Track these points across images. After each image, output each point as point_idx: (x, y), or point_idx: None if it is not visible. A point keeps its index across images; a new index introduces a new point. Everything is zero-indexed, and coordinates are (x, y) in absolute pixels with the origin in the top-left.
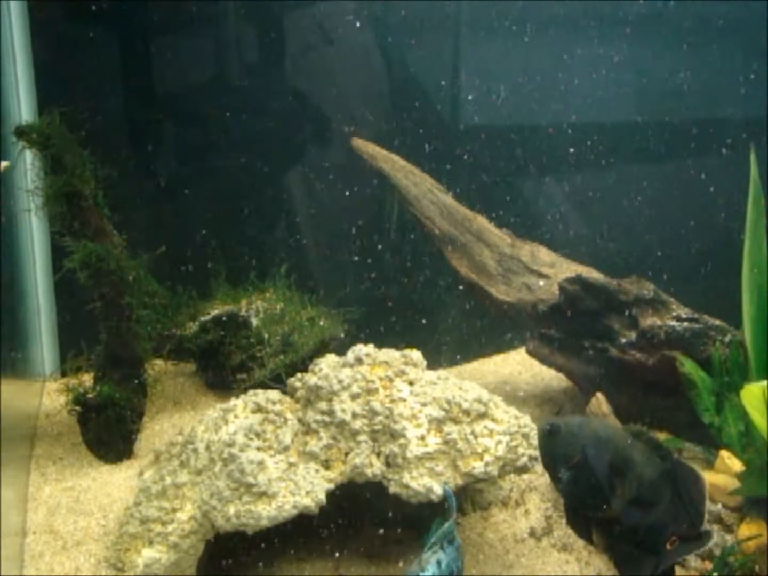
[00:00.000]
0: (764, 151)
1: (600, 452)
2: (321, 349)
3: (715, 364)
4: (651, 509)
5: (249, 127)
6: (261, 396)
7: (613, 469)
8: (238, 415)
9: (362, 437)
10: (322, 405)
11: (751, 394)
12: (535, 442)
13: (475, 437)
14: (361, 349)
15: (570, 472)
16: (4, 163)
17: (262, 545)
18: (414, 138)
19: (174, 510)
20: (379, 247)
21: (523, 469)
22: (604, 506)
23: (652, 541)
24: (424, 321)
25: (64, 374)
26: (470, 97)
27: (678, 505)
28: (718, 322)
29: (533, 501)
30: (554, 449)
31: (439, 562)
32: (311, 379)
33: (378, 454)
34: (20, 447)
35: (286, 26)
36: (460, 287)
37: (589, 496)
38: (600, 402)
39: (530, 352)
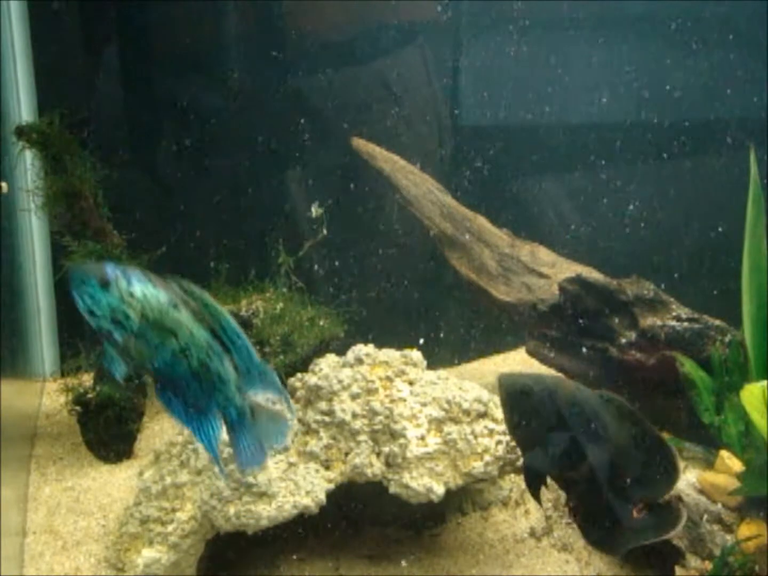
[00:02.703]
0: (764, 151)
1: (575, 414)
2: (321, 349)
3: (715, 364)
4: (621, 474)
5: (249, 125)
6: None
7: (587, 431)
8: None
9: (362, 437)
10: (322, 405)
11: (751, 394)
12: None
13: (475, 437)
14: (361, 349)
15: (542, 433)
16: (4, 185)
17: (262, 545)
18: None
19: (174, 510)
20: (380, 246)
21: None
22: (575, 468)
23: (620, 505)
24: (424, 321)
25: (64, 374)
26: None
27: (647, 472)
28: (718, 322)
29: (533, 501)
30: (526, 409)
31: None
32: (311, 379)
33: (378, 454)
34: (20, 447)
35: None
36: (461, 287)
37: (561, 457)
38: None
39: (530, 352)
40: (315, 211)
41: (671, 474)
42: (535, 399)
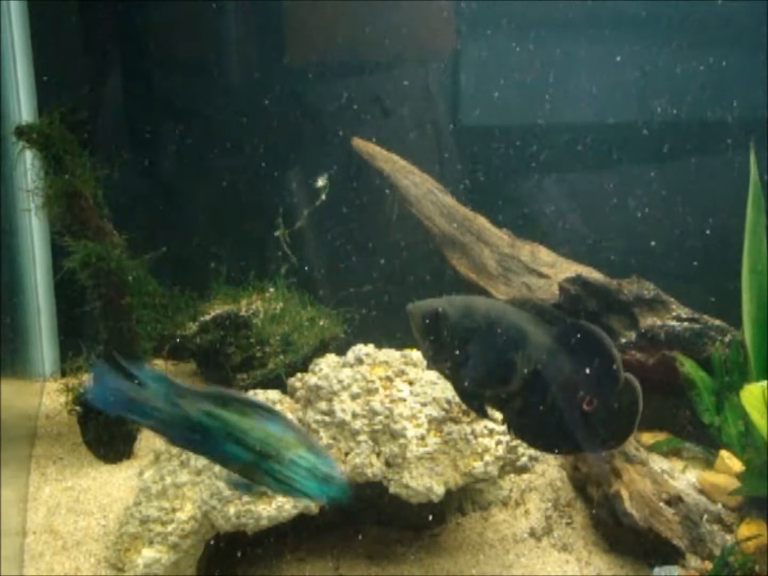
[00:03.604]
0: (764, 151)
1: (493, 330)
2: (321, 349)
3: (715, 364)
4: (553, 375)
5: (249, 126)
6: (261, 396)
7: (509, 343)
8: None
9: (362, 437)
10: (322, 405)
11: (751, 394)
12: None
13: (475, 437)
14: (361, 349)
15: (463, 354)
16: None
17: (262, 545)
18: None
19: (174, 510)
20: (380, 247)
21: (523, 469)
22: (506, 382)
23: (566, 406)
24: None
25: (64, 374)
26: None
27: (582, 365)
28: (718, 322)
29: (533, 501)
30: (440, 333)
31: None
32: (311, 379)
33: (378, 454)
34: (20, 447)
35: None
36: (461, 287)
37: (488, 375)
38: None
39: None
40: (321, 181)
41: (607, 358)
42: (451, 319)
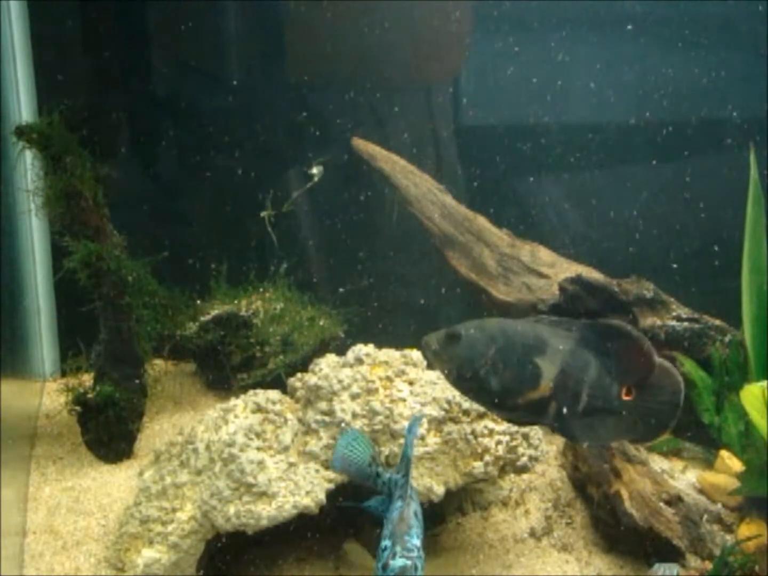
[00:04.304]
0: (764, 151)
1: (511, 341)
2: (321, 349)
3: (715, 364)
4: (581, 373)
5: (249, 127)
6: (261, 396)
7: (530, 349)
8: (238, 415)
9: None
10: (322, 405)
11: (751, 394)
12: (534, 441)
13: (475, 437)
14: (361, 349)
15: (485, 371)
16: None
17: (262, 545)
18: None
19: (174, 510)
20: (379, 246)
21: (523, 469)
22: (534, 386)
23: (604, 401)
24: (424, 321)
25: (64, 374)
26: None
27: (611, 360)
28: (718, 322)
29: (533, 501)
30: (459, 354)
31: (416, 514)
32: (311, 379)
33: (378, 454)
34: (20, 447)
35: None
36: (461, 287)
37: (516, 380)
38: None
39: None
40: (315, 168)
41: (635, 346)
42: (468, 339)
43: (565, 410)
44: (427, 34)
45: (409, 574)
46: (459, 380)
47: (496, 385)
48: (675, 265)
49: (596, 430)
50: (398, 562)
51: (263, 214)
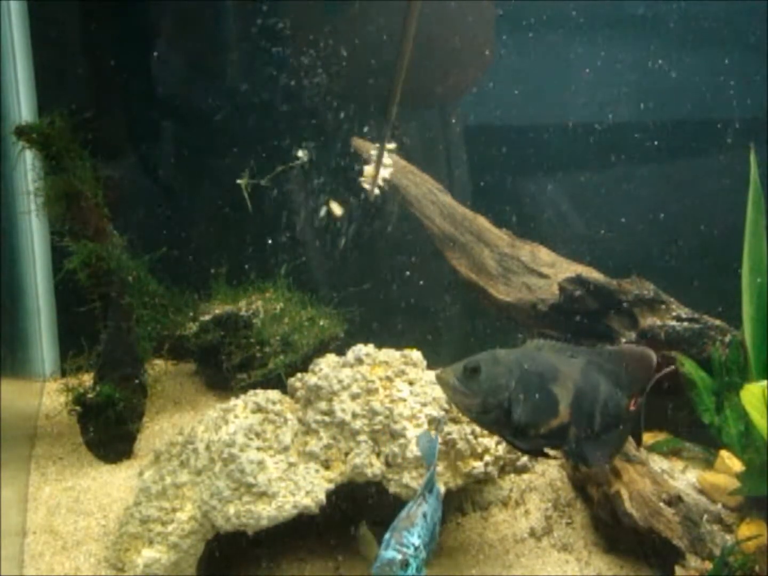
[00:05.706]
0: (764, 151)
1: (526, 371)
2: (321, 349)
3: (715, 364)
4: (596, 395)
5: (249, 127)
6: (261, 396)
7: (545, 378)
8: (238, 415)
9: (362, 437)
10: (322, 405)
11: (751, 394)
12: None
13: (475, 437)
14: (361, 349)
15: (509, 402)
16: None
17: (262, 545)
18: None
19: (174, 510)
20: (380, 246)
21: (523, 469)
22: (554, 414)
23: (616, 416)
24: (423, 321)
25: (64, 374)
26: None
27: (614, 378)
28: (718, 322)
29: (533, 501)
30: (482, 387)
31: (424, 515)
32: (311, 379)
33: (378, 454)
34: (20, 447)
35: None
36: (461, 287)
37: (537, 411)
38: None
39: None
40: (302, 152)
41: (639, 361)
42: (484, 371)
43: (583, 436)
44: (445, 54)
45: (396, 568)
46: (482, 414)
47: (521, 416)
48: (674, 265)
49: (606, 447)
50: (387, 554)
51: (239, 181)
